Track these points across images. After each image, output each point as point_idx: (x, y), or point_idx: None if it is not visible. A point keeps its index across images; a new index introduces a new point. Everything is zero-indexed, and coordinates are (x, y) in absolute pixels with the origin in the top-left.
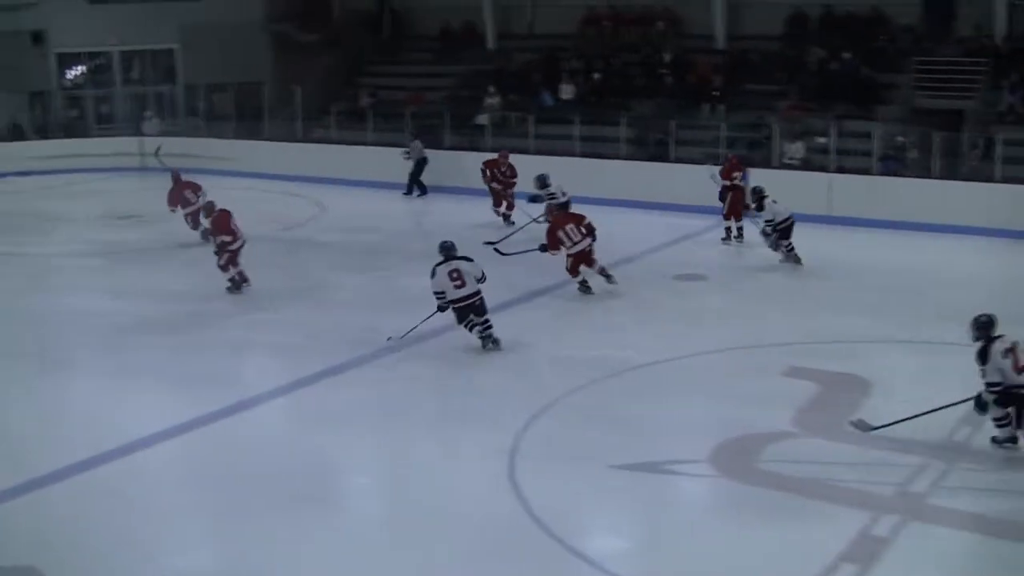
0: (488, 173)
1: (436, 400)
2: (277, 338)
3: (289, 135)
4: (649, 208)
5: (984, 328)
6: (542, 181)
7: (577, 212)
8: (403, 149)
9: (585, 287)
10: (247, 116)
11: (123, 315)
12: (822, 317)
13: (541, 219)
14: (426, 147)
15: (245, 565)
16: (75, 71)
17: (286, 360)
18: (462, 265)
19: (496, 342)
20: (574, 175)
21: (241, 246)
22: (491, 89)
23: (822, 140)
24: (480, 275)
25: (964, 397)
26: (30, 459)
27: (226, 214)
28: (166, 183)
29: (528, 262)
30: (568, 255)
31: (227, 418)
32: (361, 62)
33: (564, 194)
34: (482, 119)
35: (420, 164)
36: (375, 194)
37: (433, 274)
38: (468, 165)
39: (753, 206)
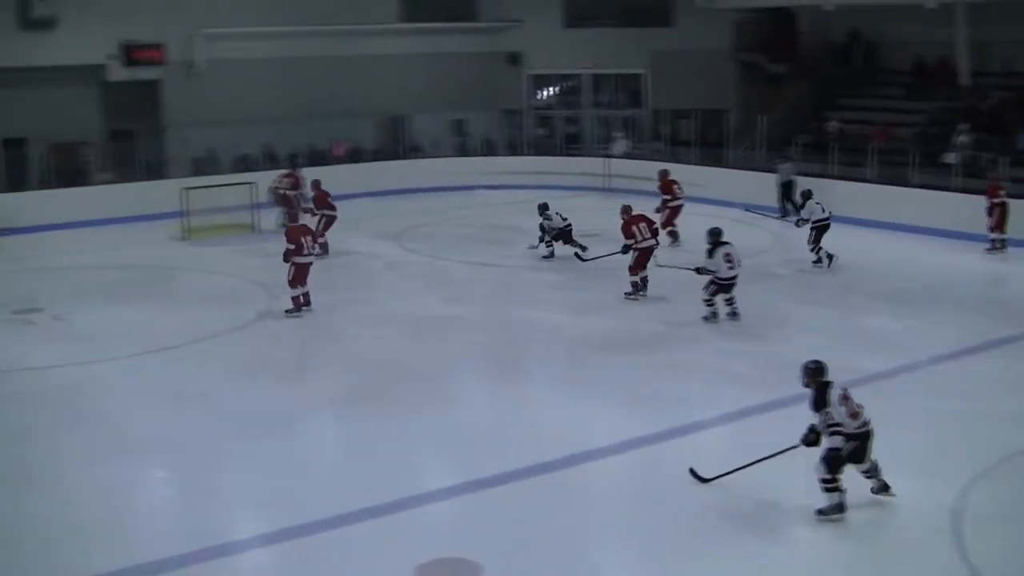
0: None
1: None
2: (730, 366)
3: (750, 164)
4: None
5: (814, 374)
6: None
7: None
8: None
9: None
10: (710, 143)
11: (579, 330)
12: None
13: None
14: (888, 182)
15: None
16: (547, 92)
17: (733, 388)
18: (734, 250)
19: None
20: None
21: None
22: (962, 127)
23: None
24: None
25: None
26: (473, 460)
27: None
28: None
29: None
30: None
31: (670, 440)
32: (829, 94)
33: (564, 219)
34: (950, 158)
35: (787, 186)
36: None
37: (711, 255)
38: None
39: None
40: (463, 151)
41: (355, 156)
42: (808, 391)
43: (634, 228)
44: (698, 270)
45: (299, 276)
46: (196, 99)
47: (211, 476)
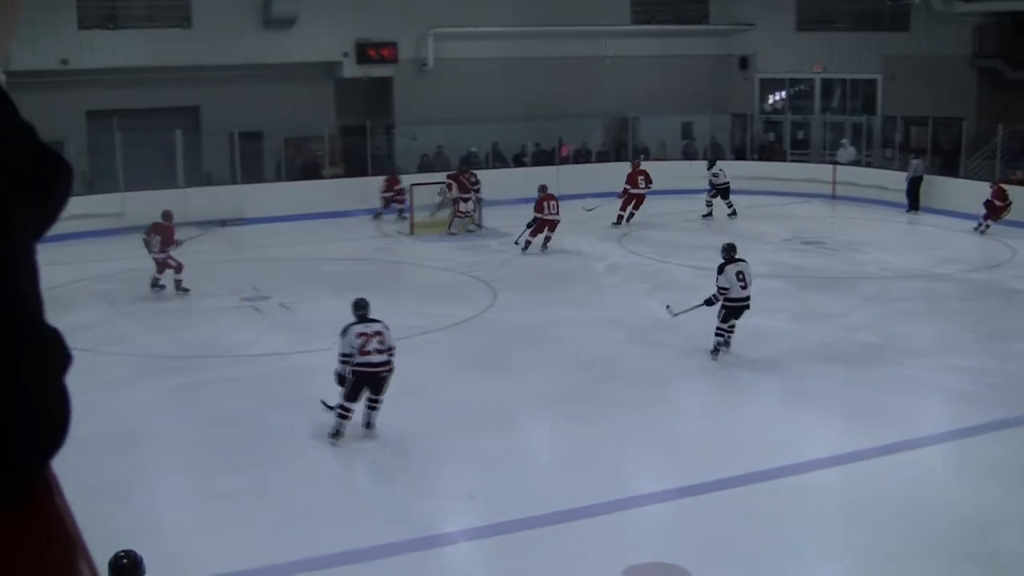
0: None
1: None
2: (952, 382)
3: (988, 174)
4: None
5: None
6: None
7: None
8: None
9: None
10: (943, 152)
11: (803, 340)
12: None
13: None
14: None
15: None
16: (776, 96)
17: (958, 405)
18: (747, 268)
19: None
20: None
21: None
22: None
23: None
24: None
25: None
26: (686, 465)
27: None
28: (850, 211)
29: None
30: None
31: (889, 456)
32: None
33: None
34: None
35: (914, 181)
36: None
37: (721, 271)
38: None
39: None
40: (689, 154)
41: (581, 157)
42: None
43: (544, 204)
44: (708, 302)
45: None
46: (425, 97)
47: (421, 469)
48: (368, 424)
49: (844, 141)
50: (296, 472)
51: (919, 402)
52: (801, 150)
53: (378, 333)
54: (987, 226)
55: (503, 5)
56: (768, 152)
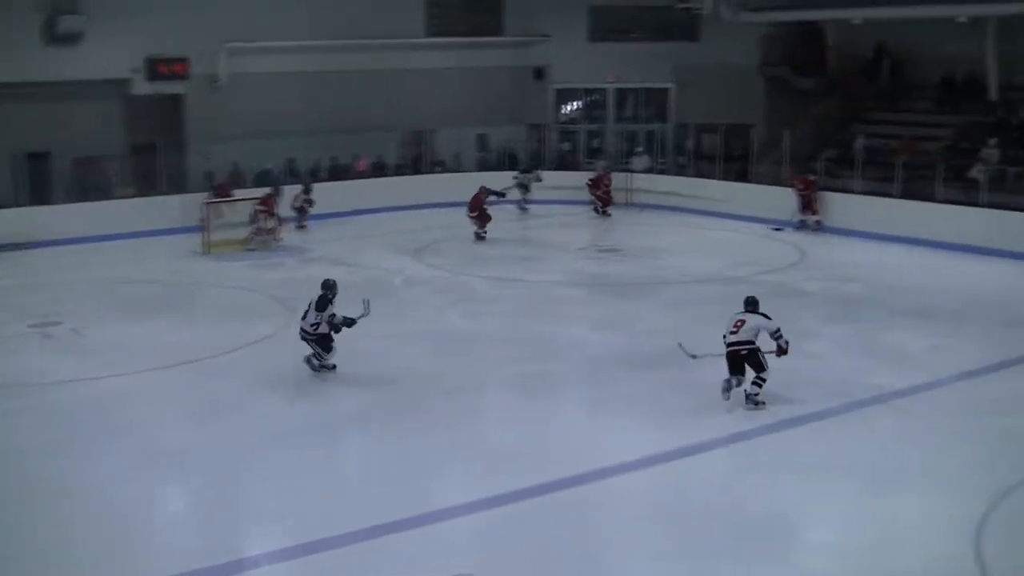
0: None
1: (904, 462)
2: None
3: (775, 179)
4: None
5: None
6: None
7: None
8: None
9: None
10: (734, 158)
11: (605, 346)
12: None
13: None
14: (914, 197)
15: None
16: (571, 106)
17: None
18: (748, 317)
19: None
20: None
21: None
22: (991, 142)
23: None
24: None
25: None
26: (495, 476)
27: None
28: (646, 218)
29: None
30: None
31: (692, 456)
32: (855, 109)
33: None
34: (977, 173)
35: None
36: (857, 244)
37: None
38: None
39: None
40: (485, 166)
41: (377, 171)
42: None
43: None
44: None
45: None
46: (219, 113)
47: (231, 491)
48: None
49: (639, 149)
50: (91, 504)
51: (710, 403)
52: (595, 159)
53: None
54: (817, 222)
55: (298, 19)
56: (564, 161)
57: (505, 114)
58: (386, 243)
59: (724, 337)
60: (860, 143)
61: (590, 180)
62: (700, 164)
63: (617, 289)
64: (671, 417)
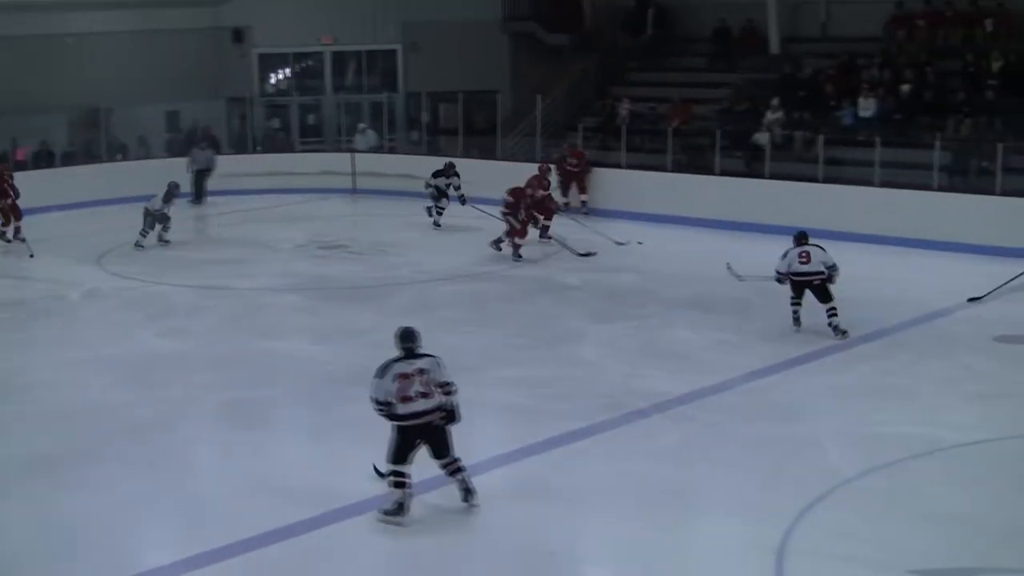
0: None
1: (689, 479)
2: (510, 397)
3: (528, 153)
4: (967, 251)
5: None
6: None
7: None
8: None
9: None
10: (478, 130)
11: (330, 364)
12: None
13: None
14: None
15: None
16: (279, 75)
17: (518, 424)
18: (812, 250)
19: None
20: (872, 208)
21: None
22: (774, 103)
23: None
24: None
25: None
26: (226, 524)
27: None
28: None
29: (812, 315)
30: None
31: (442, 487)
32: (617, 68)
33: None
34: (761, 139)
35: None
36: (626, 227)
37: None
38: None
39: None
40: (175, 150)
41: (42, 160)
42: None
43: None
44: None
45: None
46: None
47: None
48: (465, 494)
49: (362, 125)
50: None
51: (471, 424)
52: (313, 137)
53: (421, 371)
54: (583, 203)
55: None
56: (274, 142)
57: (200, 87)
58: (59, 249)
59: (778, 272)
60: (625, 108)
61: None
62: (437, 140)
63: (343, 293)
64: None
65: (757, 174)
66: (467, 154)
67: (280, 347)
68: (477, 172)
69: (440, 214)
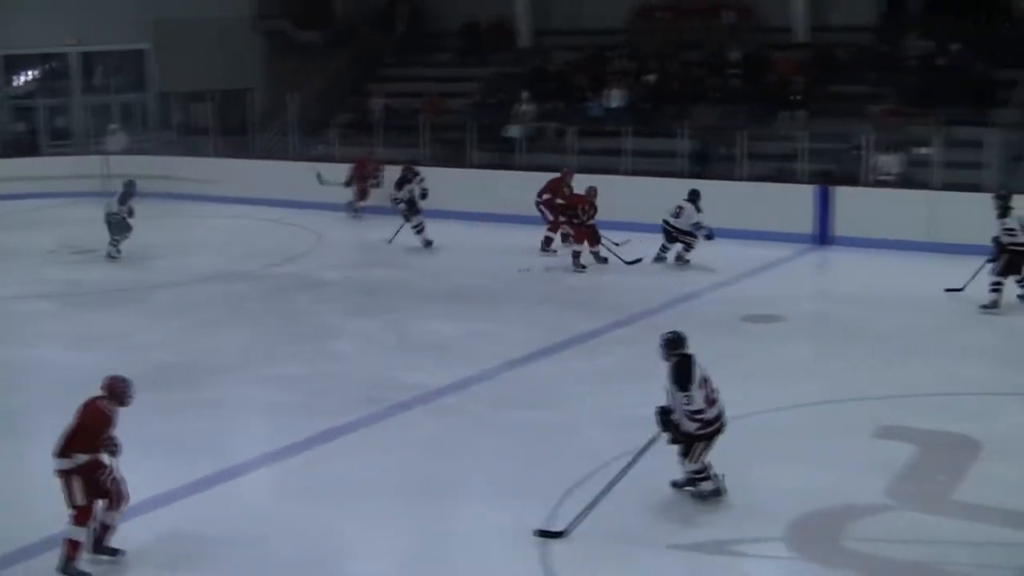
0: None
1: (456, 468)
2: (271, 395)
3: (282, 152)
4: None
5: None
6: None
7: None
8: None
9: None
10: (232, 130)
11: (86, 369)
12: (922, 365)
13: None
14: (443, 164)
15: None
16: (25, 76)
17: (280, 421)
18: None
19: None
20: (623, 195)
21: None
22: (525, 95)
23: (924, 151)
24: None
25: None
26: None
27: None
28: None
29: (571, 300)
30: None
31: (209, 489)
32: (370, 65)
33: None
34: (514, 131)
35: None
36: (380, 221)
37: None
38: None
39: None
40: None
41: None
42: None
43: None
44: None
45: None
46: None
47: None
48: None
49: (113, 126)
50: None
51: (234, 424)
52: (62, 140)
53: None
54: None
55: None
56: (18, 146)
57: None
58: None
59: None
60: (378, 104)
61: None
62: (191, 140)
63: (98, 298)
64: (174, 449)
65: (510, 165)
66: (221, 153)
67: (30, 354)
68: (231, 171)
69: (421, 231)
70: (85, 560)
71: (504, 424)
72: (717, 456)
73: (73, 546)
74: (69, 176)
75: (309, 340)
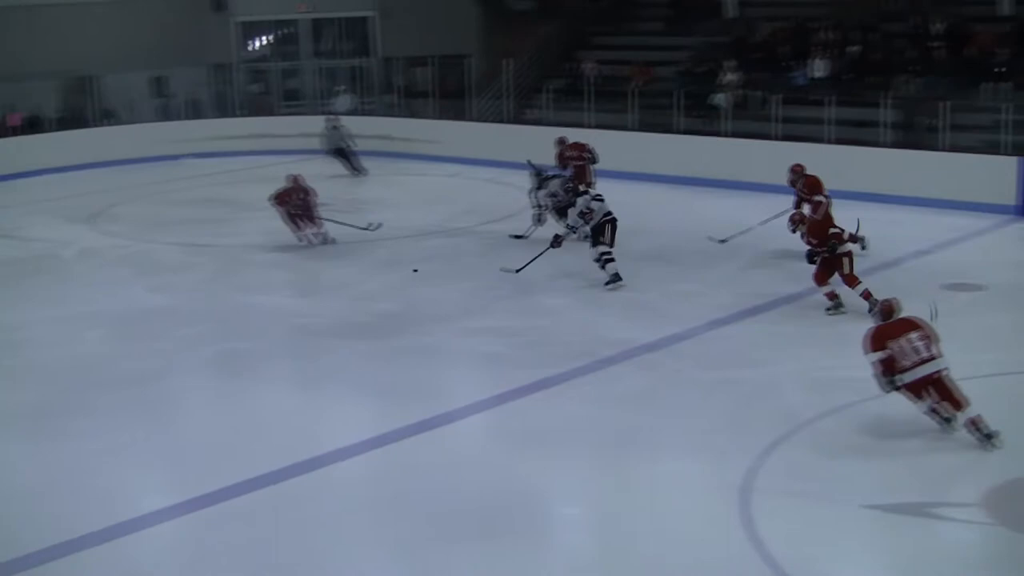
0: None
1: (658, 422)
2: (485, 346)
3: (496, 115)
4: (915, 204)
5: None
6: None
7: None
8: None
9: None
10: (450, 93)
11: (313, 316)
12: None
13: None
14: (651, 129)
15: None
16: (260, 41)
17: (492, 371)
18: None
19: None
20: (827, 164)
21: None
22: (730, 64)
23: None
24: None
25: None
26: (214, 470)
27: None
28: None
29: (772, 266)
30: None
31: (422, 433)
32: (580, 33)
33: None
34: (718, 99)
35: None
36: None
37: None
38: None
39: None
40: (165, 114)
41: (34, 125)
42: None
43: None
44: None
45: None
46: None
47: None
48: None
49: (340, 88)
50: None
51: (451, 371)
52: (293, 101)
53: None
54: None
55: None
56: (256, 106)
57: (182, 53)
58: (53, 210)
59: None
60: (590, 70)
61: None
62: (412, 103)
63: (322, 250)
64: (391, 393)
65: (715, 132)
66: (441, 116)
67: (263, 301)
68: (449, 132)
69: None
70: None
71: (705, 382)
72: None
73: None
74: (299, 135)
75: (522, 295)
